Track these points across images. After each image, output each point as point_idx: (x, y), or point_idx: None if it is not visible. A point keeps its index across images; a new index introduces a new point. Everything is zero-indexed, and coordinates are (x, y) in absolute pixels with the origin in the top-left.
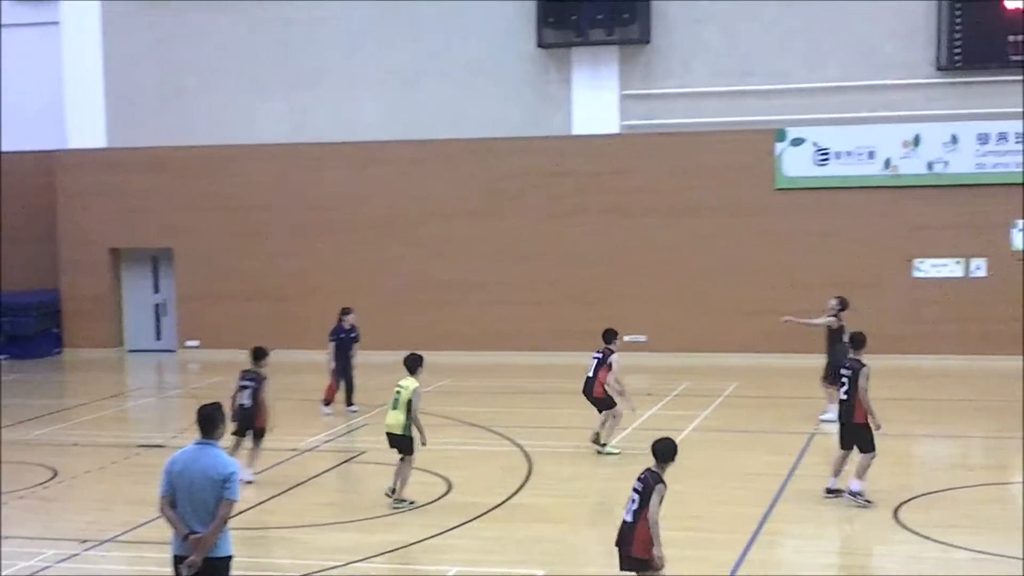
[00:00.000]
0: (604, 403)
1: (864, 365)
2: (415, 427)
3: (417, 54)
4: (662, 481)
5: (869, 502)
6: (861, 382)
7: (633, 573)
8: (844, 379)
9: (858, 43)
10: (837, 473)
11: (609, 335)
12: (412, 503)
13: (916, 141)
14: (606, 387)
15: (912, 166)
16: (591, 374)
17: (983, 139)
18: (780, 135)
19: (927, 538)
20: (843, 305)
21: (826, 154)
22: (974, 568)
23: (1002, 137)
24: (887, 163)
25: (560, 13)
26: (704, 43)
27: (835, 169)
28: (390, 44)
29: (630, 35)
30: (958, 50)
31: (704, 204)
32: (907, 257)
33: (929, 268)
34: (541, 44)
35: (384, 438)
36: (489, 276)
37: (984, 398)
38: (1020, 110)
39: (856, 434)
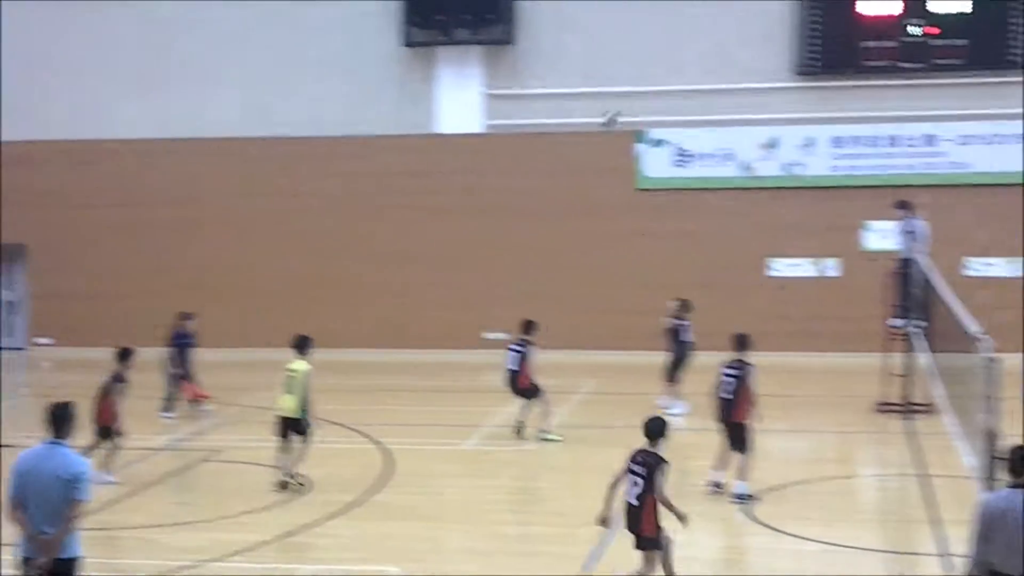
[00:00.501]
0: (531, 393)
1: (752, 365)
2: (308, 408)
3: (281, 51)
4: (664, 460)
5: (751, 497)
6: (751, 382)
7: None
8: (729, 379)
9: (718, 47)
10: (718, 469)
11: (528, 326)
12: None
13: (773, 143)
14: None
15: (769, 168)
16: (514, 367)
17: (837, 142)
18: (641, 137)
19: (779, 531)
20: (684, 307)
21: (686, 156)
22: (825, 560)
23: (856, 141)
24: (745, 165)
25: (425, 12)
26: (568, 45)
27: (694, 170)
28: (254, 40)
29: (495, 36)
30: (814, 55)
31: (566, 204)
32: (763, 257)
33: (784, 268)
34: (406, 43)
35: (245, 437)
36: (352, 274)
37: (836, 394)
38: (874, 114)
39: (734, 433)
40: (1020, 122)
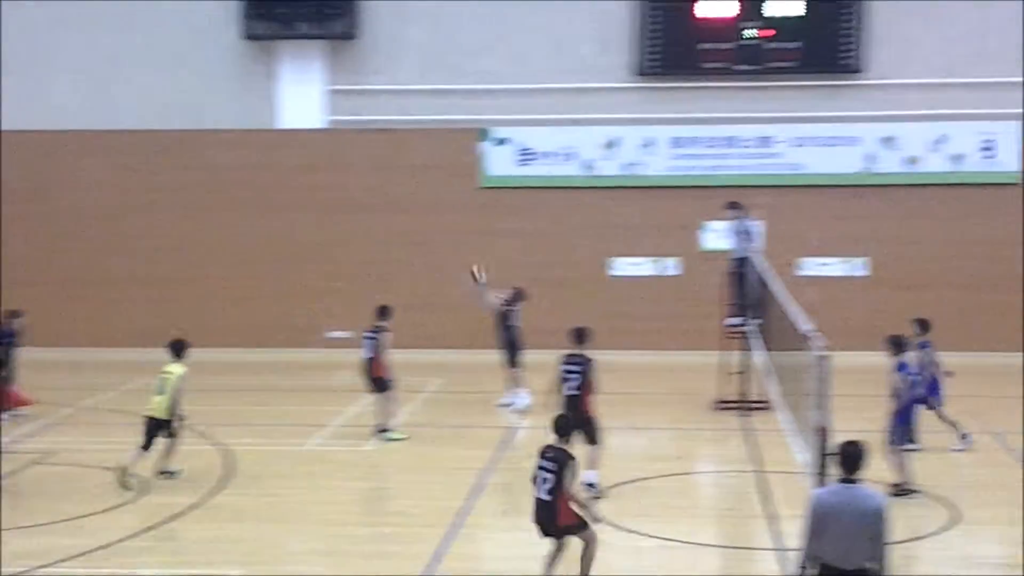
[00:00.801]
0: (381, 384)
1: (592, 360)
2: (176, 409)
3: (120, 43)
4: (572, 457)
5: (598, 496)
6: (592, 375)
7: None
8: (572, 374)
9: (560, 46)
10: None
11: (383, 312)
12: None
13: (614, 143)
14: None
15: (610, 167)
16: (368, 354)
17: (676, 143)
18: (484, 134)
19: (617, 527)
20: (517, 296)
21: (528, 154)
22: (663, 556)
23: (694, 141)
24: (586, 164)
25: (266, 5)
26: (411, 41)
27: (537, 169)
28: (93, 31)
29: (337, 30)
30: (653, 57)
31: (410, 201)
32: (604, 255)
33: (625, 266)
34: (246, 36)
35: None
36: (193, 271)
37: (675, 391)
38: (711, 115)
39: (584, 427)
40: (854, 124)
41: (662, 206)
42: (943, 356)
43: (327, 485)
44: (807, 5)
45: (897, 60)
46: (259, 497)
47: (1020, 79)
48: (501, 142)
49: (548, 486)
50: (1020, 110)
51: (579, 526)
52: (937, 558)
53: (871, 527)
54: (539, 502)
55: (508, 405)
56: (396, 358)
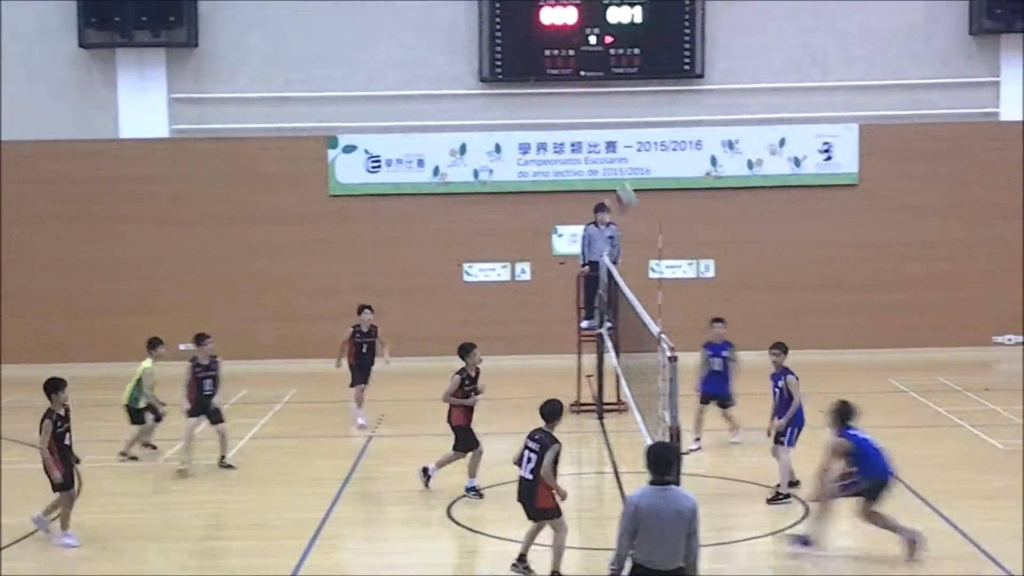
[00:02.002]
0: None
1: (456, 374)
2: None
3: None
4: (557, 441)
5: (480, 496)
6: (450, 387)
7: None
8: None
9: (408, 53)
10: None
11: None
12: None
13: (462, 150)
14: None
15: (460, 174)
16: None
17: (524, 148)
18: (332, 142)
19: (478, 532)
20: (361, 310)
21: (378, 161)
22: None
23: (541, 147)
24: (436, 171)
25: (103, 13)
26: (254, 48)
27: (387, 176)
28: None
29: (177, 38)
30: (498, 63)
31: (258, 211)
32: (457, 262)
33: (478, 272)
34: (83, 44)
35: None
36: (36, 285)
37: (532, 396)
38: (557, 121)
39: (457, 435)
40: (696, 128)
41: (513, 211)
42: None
43: (184, 501)
44: (646, 12)
45: (737, 65)
46: (118, 514)
47: (858, 82)
48: (349, 149)
49: (531, 466)
50: (858, 113)
51: (554, 512)
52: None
53: (687, 527)
54: (522, 481)
55: (359, 424)
56: (252, 368)
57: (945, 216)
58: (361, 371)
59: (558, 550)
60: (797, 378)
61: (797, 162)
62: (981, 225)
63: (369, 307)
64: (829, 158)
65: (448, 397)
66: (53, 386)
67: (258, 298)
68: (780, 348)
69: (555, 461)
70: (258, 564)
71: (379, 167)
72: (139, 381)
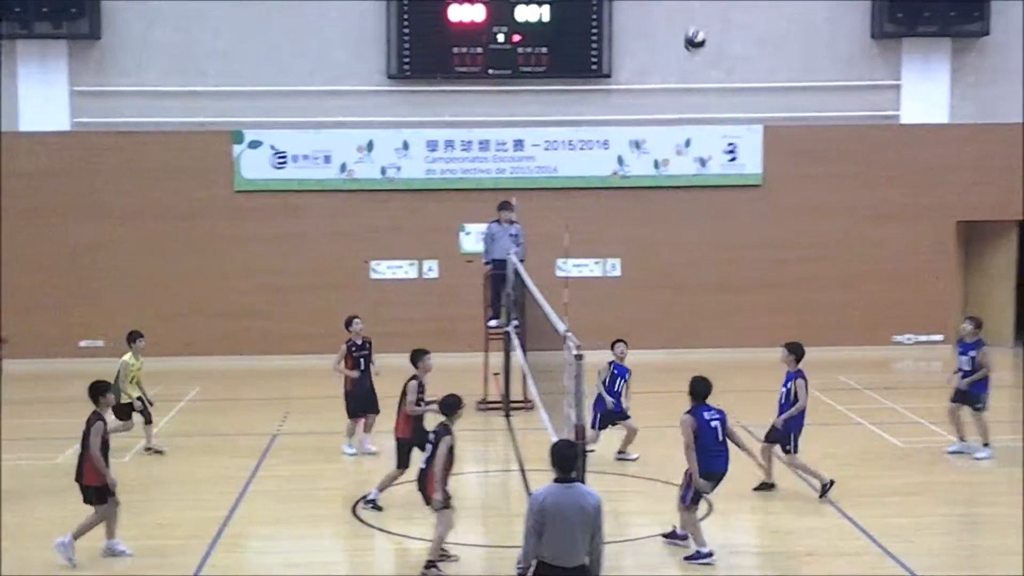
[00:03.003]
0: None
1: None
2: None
3: None
4: (450, 433)
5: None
6: (410, 396)
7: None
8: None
9: (316, 49)
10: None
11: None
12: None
13: (370, 147)
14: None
15: (367, 171)
16: None
17: (432, 146)
18: (237, 137)
19: (383, 531)
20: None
21: (284, 157)
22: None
23: (449, 144)
24: (343, 167)
25: (2, 3)
26: (158, 42)
27: (293, 172)
28: None
29: (79, 30)
30: (406, 60)
31: (163, 206)
32: (364, 259)
33: (385, 270)
34: None
35: None
36: None
37: (439, 393)
38: (466, 119)
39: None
40: (604, 128)
41: (420, 209)
42: (694, 354)
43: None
44: (554, 11)
45: (643, 65)
46: (16, 514)
47: (762, 84)
48: (255, 145)
49: (427, 455)
50: (762, 114)
51: (442, 502)
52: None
53: (591, 524)
54: (420, 471)
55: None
56: (155, 366)
57: (846, 217)
58: (365, 396)
59: (436, 541)
60: (807, 382)
61: (703, 162)
62: (882, 226)
63: (357, 316)
64: (734, 159)
65: (412, 407)
66: None
67: (159, 294)
68: (790, 349)
69: (448, 454)
70: (159, 563)
71: (285, 163)
72: (117, 375)
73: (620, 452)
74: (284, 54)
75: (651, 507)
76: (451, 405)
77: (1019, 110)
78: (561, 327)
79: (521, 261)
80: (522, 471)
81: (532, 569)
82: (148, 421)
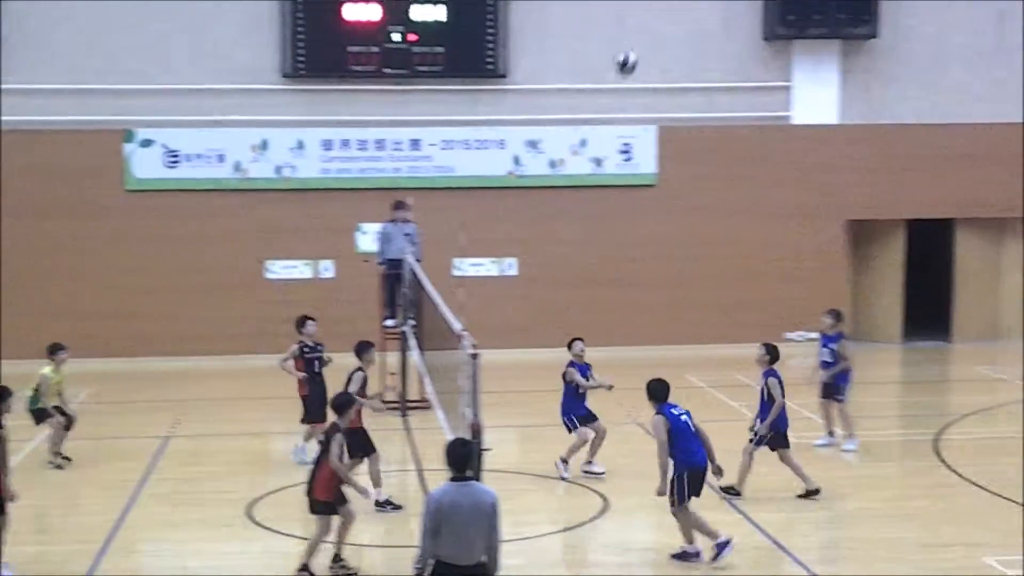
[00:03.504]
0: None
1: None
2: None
3: None
4: (339, 430)
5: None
6: (353, 387)
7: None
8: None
9: (209, 47)
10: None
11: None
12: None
13: (264, 146)
14: None
15: (261, 170)
16: None
17: (327, 145)
18: (129, 136)
19: (277, 532)
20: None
21: (176, 156)
22: (322, 558)
23: (345, 144)
24: (237, 166)
25: None
26: (50, 39)
27: (186, 171)
28: None
29: None
30: (300, 59)
31: (53, 205)
32: (259, 259)
33: (280, 269)
34: None
35: None
36: None
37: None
38: (361, 118)
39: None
40: (499, 128)
41: (316, 208)
42: (589, 352)
43: None
44: (450, 11)
45: (538, 66)
46: None
47: (656, 85)
48: (147, 144)
49: (316, 456)
50: (656, 115)
51: (333, 504)
52: (592, 545)
53: (487, 522)
54: (310, 472)
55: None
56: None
57: (739, 216)
58: (322, 402)
59: (310, 547)
60: (780, 380)
61: (598, 162)
62: (774, 225)
63: (312, 317)
64: (629, 159)
65: (374, 403)
66: None
67: (52, 294)
68: (766, 349)
69: (341, 454)
70: (48, 570)
71: (178, 162)
72: (38, 387)
73: (588, 463)
74: (178, 52)
75: (547, 504)
76: (340, 404)
77: (907, 111)
78: (457, 326)
79: (419, 261)
80: (419, 471)
81: (430, 568)
82: (68, 427)
